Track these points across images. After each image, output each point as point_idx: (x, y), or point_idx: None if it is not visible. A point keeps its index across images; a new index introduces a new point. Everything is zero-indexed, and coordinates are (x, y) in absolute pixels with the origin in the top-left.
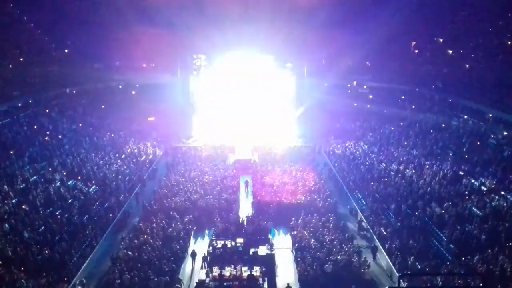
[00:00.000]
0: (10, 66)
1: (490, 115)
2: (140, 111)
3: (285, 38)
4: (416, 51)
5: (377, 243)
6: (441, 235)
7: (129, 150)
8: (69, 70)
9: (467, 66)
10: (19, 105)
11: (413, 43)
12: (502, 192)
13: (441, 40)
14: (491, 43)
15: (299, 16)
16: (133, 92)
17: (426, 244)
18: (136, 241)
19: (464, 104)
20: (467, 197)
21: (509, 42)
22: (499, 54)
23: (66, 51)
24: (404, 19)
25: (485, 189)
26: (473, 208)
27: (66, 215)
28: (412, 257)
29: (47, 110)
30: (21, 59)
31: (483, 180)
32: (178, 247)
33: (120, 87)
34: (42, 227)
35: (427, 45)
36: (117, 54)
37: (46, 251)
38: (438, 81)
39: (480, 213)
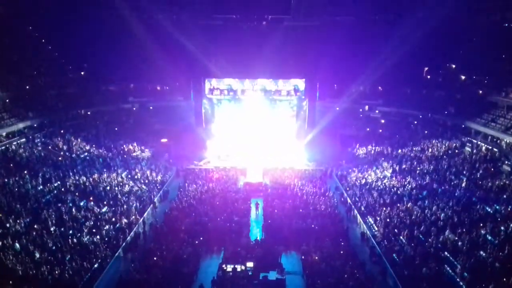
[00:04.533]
0: (27, 87)
1: (504, 141)
2: (153, 132)
3: (297, 63)
4: (429, 76)
5: (390, 269)
6: (455, 262)
7: (141, 171)
8: (85, 92)
9: (480, 92)
10: (35, 125)
11: (426, 68)
12: None
13: (454, 65)
14: (503, 69)
15: (311, 42)
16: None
17: (440, 271)
18: (145, 263)
19: (476, 129)
20: (481, 224)
21: None
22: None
23: (82, 73)
24: (416, 44)
25: (500, 216)
26: (488, 235)
27: (77, 236)
28: (425, 285)
29: (61, 131)
30: (39, 81)
31: (497, 207)
32: (187, 270)
33: (134, 109)
34: (53, 247)
35: (439, 70)
36: (132, 76)
37: (57, 271)
38: (451, 107)
39: (494, 241)
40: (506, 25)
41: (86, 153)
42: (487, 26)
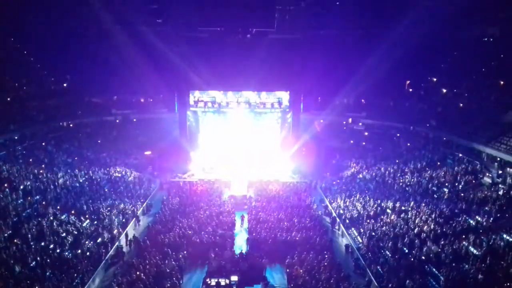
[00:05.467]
0: (8, 99)
1: (485, 154)
2: (137, 145)
3: (281, 76)
4: (411, 89)
5: (374, 282)
6: (438, 274)
7: (124, 184)
8: (67, 104)
9: (461, 105)
10: (16, 138)
11: (408, 82)
12: (499, 231)
13: (435, 79)
14: (484, 83)
15: (295, 55)
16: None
17: (423, 283)
18: (128, 277)
19: (458, 142)
20: (463, 236)
21: (501, 82)
22: (492, 94)
23: (65, 85)
24: (398, 58)
25: (482, 227)
26: (470, 247)
27: (58, 250)
28: None
29: (43, 143)
30: (20, 93)
31: (479, 219)
32: (170, 284)
33: (117, 121)
34: (33, 262)
35: (421, 84)
36: (115, 88)
37: (37, 287)
38: (432, 119)
39: (477, 252)
40: (486, 39)
41: (67, 166)
42: (467, 41)
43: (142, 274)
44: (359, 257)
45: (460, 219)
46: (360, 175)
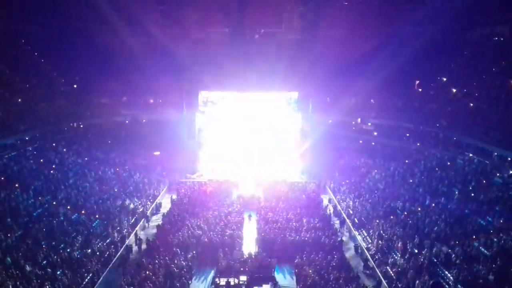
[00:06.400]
0: (19, 100)
1: (495, 154)
2: (146, 145)
3: (290, 76)
4: (420, 89)
5: (383, 282)
6: (449, 275)
7: (133, 184)
8: (77, 105)
9: (471, 104)
10: (26, 138)
11: (417, 81)
12: (510, 231)
13: (445, 79)
14: (494, 83)
15: (304, 55)
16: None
17: (433, 284)
18: (137, 277)
19: (468, 142)
20: (474, 236)
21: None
22: (502, 94)
23: (74, 86)
24: (408, 58)
25: (492, 228)
26: (481, 247)
27: (68, 250)
28: None
29: (53, 144)
30: (30, 94)
31: (490, 219)
32: (179, 284)
33: (126, 121)
34: (44, 261)
35: (431, 83)
36: (124, 89)
37: (47, 286)
38: (442, 119)
39: (488, 253)
40: (495, 38)
41: (77, 166)
42: (477, 40)
43: (151, 274)
44: (368, 257)
45: (470, 219)
46: (369, 175)
